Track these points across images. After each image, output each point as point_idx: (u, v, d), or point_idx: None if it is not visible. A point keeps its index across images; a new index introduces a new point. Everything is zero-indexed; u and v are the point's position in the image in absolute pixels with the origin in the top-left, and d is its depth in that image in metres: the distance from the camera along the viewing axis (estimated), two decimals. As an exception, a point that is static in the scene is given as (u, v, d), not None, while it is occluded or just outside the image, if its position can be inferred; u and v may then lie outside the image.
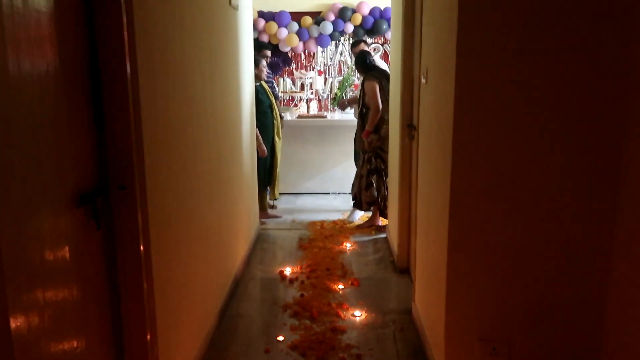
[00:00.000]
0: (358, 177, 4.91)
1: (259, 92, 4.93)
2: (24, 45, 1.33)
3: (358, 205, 5.00)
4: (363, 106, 4.71)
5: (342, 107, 6.00)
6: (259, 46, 5.74)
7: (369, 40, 6.98)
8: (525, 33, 1.99)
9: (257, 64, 4.83)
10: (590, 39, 1.97)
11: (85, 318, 1.66)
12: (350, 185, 5.19)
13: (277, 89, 6.56)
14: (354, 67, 6.12)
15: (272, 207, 5.61)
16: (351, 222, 5.15)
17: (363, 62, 4.82)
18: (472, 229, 2.14)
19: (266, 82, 5.35)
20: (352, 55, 5.69)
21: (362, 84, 4.72)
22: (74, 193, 1.58)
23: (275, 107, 5.15)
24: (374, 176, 4.74)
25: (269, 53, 5.72)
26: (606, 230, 2.08)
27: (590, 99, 2.01)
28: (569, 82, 2.01)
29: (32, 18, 1.36)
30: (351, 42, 6.40)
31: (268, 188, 5.33)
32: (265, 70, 5.09)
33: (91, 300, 1.70)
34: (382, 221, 4.95)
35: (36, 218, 1.38)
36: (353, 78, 6.67)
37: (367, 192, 4.79)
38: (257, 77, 4.87)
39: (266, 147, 5.04)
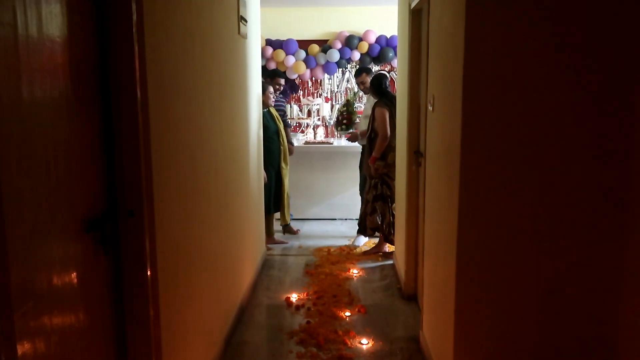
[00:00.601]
0: (364, 202, 4.90)
1: (266, 118, 4.97)
2: (38, 74, 1.35)
3: (362, 230, 5.00)
4: (372, 131, 4.72)
5: (354, 139, 5.65)
6: (272, 74, 5.71)
7: (375, 68, 7.05)
8: (532, 61, 2.00)
9: (264, 91, 4.87)
10: (599, 67, 1.99)
11: (91, 344, 1.65)
12: (359, 211, 5.23)
13: (287, 115, 6.56)
14: (359, 94, 6.15)
15: (296, 232, 5.62)
16: (356, 247, 5.13)
17: (378, 86, 4.75)
18: (480, 257, 2.13)
19: (276, 108, 5.41)
20: (359, 84, 5.53)
21: (373, 109, 4.70)
22: (83, 219, 1.59)
23: (282, 133, 5.18)
24: (379, 202, 4.72)
25: (282, 81, 5.70)
26: (617, 261, 2.06)
27: (599, 125, 2.01)
28: (577, 110, 2.01)
29: (46, 47, 1.39)
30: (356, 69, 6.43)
31: (277, 214, 5.35)
32: (272, 97, 5.12)
33: (97, 326, 1.69)
34: (388, 247, 4.93)
35: (45, 244, 1.38)
36: (358, 104, 6.20)
37: (371, 218, 4.77)
38: (264, 104, 4.91)
39: (272, 173, 5.06)
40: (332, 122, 6.24)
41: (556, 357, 2.15)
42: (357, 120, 5.71)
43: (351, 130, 5.66)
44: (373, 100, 5.01)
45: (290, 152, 5.55)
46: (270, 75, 5.63)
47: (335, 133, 6.41)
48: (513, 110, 2.04)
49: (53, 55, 1.43)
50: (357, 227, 5.22)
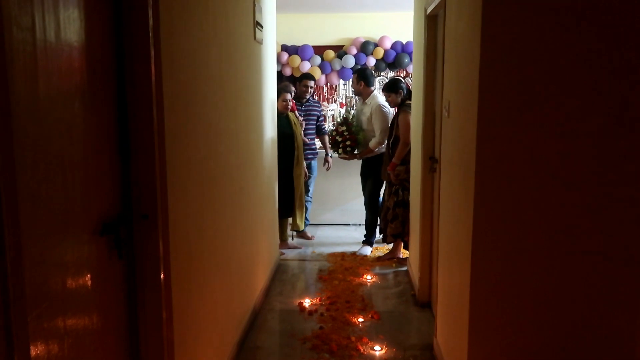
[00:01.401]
0: (384, 209, 4.83)
1: (280, 124, 4.96)
2: (55, 77, 1.37)
3: (369, 239, 5.17)
4: (393, 137, 4.63)
5: (352, 158, 5.29)
6: (301, 77, 5.51)
7: (391, 74, 7.04)
8: (548, 67, 1.98)
9: (278, 96, 4.88)
10: (618, 74, 1.96)
11: (104, 347, 1.66)
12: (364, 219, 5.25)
13: (324, 120, 5.95)
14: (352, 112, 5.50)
15: (310, 237, 5.61)
16: (363, 256, 5.09)
17: (398, 89, 4.72)
18: (496, 264, 2.11)
19: (309, 112, 5.42)
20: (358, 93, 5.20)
21: (397, 115, 4.64)
22: (98, 222, 1.60)
23: (299, 138, 5.11)
24: (401, 208, 4.66)
25: (311, 83, 5.38)
26: (636, 269, 2.02)
27: (617, 132, 1.98)
28: (595, 117, 1.99)
29: (63, 51, 1.41)
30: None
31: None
32: (288, 103, 5.06)
33: (110, 328, 1.70)
34: (402, 253, 4.90)
35: (60, 246, 1.40)
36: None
37: (392, 225, 4.71)
38: (279, 110, 4.91)
39: (283, 179, 5.02)
40: (328, 141, 5.39)
41: (572, 367, 2.12)
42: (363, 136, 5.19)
43: (356, 152, 5.19)
44: (369, 103, 5.06)
45: (327, 165, 5.55)
46: (298, 79, 5.54)
47: (332, 154, 5.52)
48: (529, 116, 2.02)
49: (70, 59, 1.45)
50: (365, 237, 5.24)
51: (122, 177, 1.77)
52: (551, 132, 2.01)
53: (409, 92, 4.71)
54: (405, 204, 4.66)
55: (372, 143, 5.04)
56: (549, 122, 2.01)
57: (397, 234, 4.74)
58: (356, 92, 5.28)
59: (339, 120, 5.34)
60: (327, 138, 5.49)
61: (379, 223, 5.08)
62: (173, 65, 1.97)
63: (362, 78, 5.08)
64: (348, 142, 5.10)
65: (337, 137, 5.16)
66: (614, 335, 2.08)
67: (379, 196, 5.17)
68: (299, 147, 5.15)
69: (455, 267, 2.47)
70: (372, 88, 5.15)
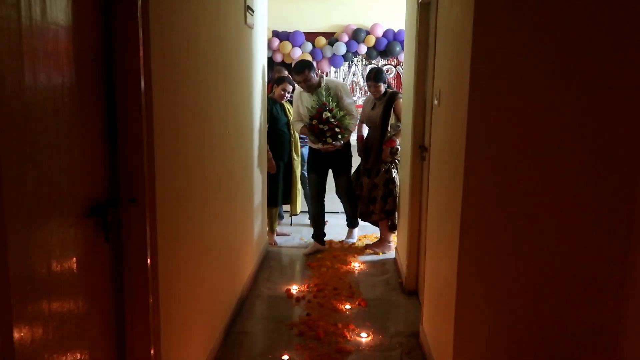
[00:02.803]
0: (366, 191, 4.70)
1: (277, 110, 4.93)
2: (41, 58, 1.34)
3: (353, 223, 5.13)
4: (385, 122, 4.54)
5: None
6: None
7: (382, 62, 7.01)
8: (540, 56, 1.98)
9: (279, 84, 4.87)
10: (610, 56, 1.96)
11: (90, 330, 1.65)
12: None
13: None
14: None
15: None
16: (350, 243, 5.08)
17: (385, 80, 4.66)
18: (483, 252, 2.12)
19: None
20: (300, 82, 4.65)
21: (392, 100, 4.57)
22: (85, 204, 1.58)
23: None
24: (394, 185, 4.66)
25: (289, 88, 4.93)
26: (620, 258, 2.05)
27: (607, 120, 1.99)
28: (585, 107, 1.99)
29: (49, 31, 1.38)
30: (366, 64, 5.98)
31: (283, 207, 5.31)
32: (286, 94, 4.93)
33: (96, 312, 1.69)
34: (393, 241, 4.91)
35: (45, 228, 1.38)
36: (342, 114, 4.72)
37: (384, 202, 4.64)
38: (277, 98, 4.88)
39: (281, 166, 5.01)
40: (309, 134, 4.71)
41: (556, 351, 2.14)
42: (351, 123, 4.73)
43: (340, 140, 4.68)
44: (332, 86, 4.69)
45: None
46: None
47: (313, 144, 4.81)
48: (519, 105, 2.02)
49: (57, 40, 1.42)
50: (348, 222, 5.17)
51: (110, 160, 1.75)
52: (541, 121, 2.02)
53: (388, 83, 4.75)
54: (394, 182, 4.66)
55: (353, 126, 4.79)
56: (540, 112, 2.01)
57: (391, 210, 4.67)
58: (307, 88, 4.69)
59: (313, 106, 4.63)
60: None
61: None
62: (162, 48, 1.95)
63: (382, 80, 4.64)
64: (337, 130, 4.61)
65: (322, 126, 4.59)
66: (597, 324, 2.10)
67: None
68: (295, 134, 5.12)
69: (443, 255, 2.48)
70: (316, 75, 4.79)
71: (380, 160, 4.63)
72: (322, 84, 4.67)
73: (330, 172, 4.99)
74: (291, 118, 5.02)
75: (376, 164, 4.67)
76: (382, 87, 4.62)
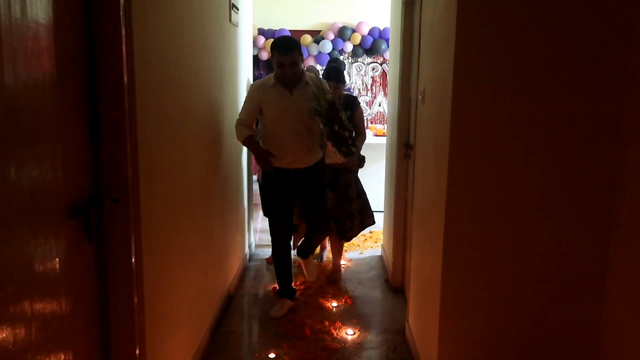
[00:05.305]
0: (351, 199, 4.02)
1: None
2: (21, 56, 1.33)
3: (342, 237, 4.12)
4: (344, 128, 3.32)
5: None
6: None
7: (368, 60, 7.02)
8: (523, 54, 2.00)
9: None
10: (591, 60, 1.99)
11: (74, 331, 1.63)
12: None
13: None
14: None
15: None
16: (320, 263, 4.44)
17: (345, 80, 4.01)
18: (468, 249, 2.14)
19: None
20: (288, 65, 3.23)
21: (353, 106, 3.84)
22: (67, 204, 1.57)
23: None
24: (365, 195, 4.15)
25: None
26: (602, 252, 2.08)
27: (589, 120, 2.02)
28: (568, 104, 2.02)
29: (30, 29, 1.36)
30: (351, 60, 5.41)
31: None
32: None
33: (80, 312, 1.68)
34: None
35: (27, 228, 1.37)
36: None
37: (368, 212, 4.12)
38: None
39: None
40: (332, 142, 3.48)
41: (539, 346, 2.17)
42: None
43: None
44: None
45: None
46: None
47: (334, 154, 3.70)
48: (503, 103, 2.04)
49: (37, 39, 1.41)
50: (304, 250, 3.74)
51: (93, 159, 1.74)
52: (525, 119, 2.04)
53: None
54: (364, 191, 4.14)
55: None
56: (523, 109, 2.03)
57: (371, 223, 4.18)
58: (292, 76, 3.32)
59: (322, 106, 3.29)
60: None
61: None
62: (146, 46, 1.93)
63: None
64: (349, 136, 3.39)
65: (343, 132, 3.34)
66: (579, 319, 2.13)
67: None
68: None
69: (428, 252, 2.50)
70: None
71: (346, 168, 3.90)
72: (305, 80, 3.35)
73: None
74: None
75: (340, 172, 3.95)
76: (343, 88, 3.95)
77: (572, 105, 2.02)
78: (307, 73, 3.44)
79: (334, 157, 3.75)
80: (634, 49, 1.92)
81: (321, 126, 3.42)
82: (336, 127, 3.32)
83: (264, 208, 3.63)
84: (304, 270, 3.81)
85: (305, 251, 3.70)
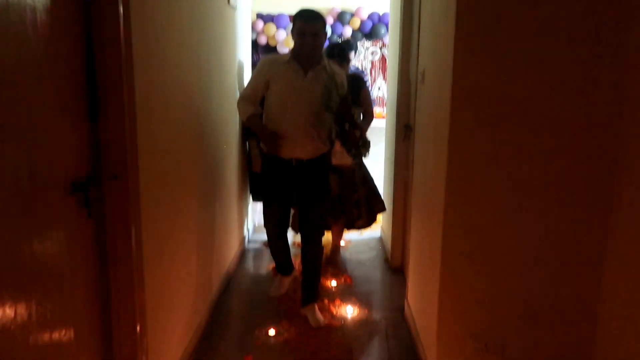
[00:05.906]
0: (356, 184, 3.92)
1: None
2: (19, 34, 1.33)
3: (350, 227, 4.06)
4: (355, 127, 3.09)
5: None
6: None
7: (367, 44, 6.98)
8: (523, 37, 1.99)
9: None
10: (589, 43, 1.98)
11: (74, 308, 1.65)
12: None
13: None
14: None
15: None
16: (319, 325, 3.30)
17: (349, 59, 3.81)
18: (466, 228, 2.15)
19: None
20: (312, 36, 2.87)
21: (359, 85, 3.78)
22: (66, 180, 1.58)
23: None
24: (373, 181, 4.09)
25: None
26: (599, 231, 2.09)
27: (587, 103, 2.02)
28: (567, 87, 2.01)
29: (27, 6, 1.37)
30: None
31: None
32: None
33: (80, 289, 1.69)
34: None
35: (26, 203, 1.38)
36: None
37: (376, 198, 4.02)
38: None
39: None
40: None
41: (538, 324, 2.19)
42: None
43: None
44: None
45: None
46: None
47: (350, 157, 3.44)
48: (503, 84, 2.03)
49: (33, 13, 1.41)
50: (307, 294, 3.20)
51: (92, 136, 1.75)
52: (525, 99, 2.03)
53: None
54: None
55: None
56: (524, 90, 2.03)
57: (382, 209, 4.09)
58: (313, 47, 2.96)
59: (336, 101, 2.89)
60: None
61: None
62: (143, 24, 1.93)
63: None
64: (360, 135, 3.17)
65: (355, 131, 3.08)
66: (578, 293, 2.15)
67: None
68: None
69: (428, 231, 2.52)
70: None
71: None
72: (324, 64, 2.98)
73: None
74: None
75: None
76: (346, 67, 3.75)
77: (576, 83, 2.01)
78: (327, 59, 3.05)
79: (341, 158, 3.50)
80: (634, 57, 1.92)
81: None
82: (347, 126, 3.02)
83: (258, 194, 3.37)
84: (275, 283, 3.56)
85: (307, 297, 3.19)
